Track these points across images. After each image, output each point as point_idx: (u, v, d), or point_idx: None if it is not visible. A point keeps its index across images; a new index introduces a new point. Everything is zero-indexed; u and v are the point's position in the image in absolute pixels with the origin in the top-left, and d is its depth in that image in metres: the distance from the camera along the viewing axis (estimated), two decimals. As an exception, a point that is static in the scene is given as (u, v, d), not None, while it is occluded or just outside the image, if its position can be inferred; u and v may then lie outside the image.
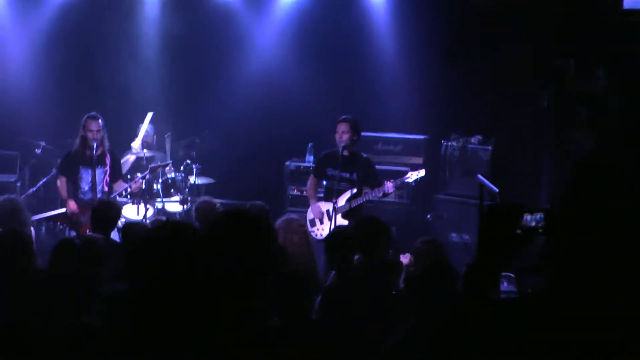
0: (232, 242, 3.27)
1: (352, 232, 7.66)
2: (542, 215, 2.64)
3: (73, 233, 10.22)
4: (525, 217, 2.65)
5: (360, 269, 7.30)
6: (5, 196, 8.96)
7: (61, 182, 10.98)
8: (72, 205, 10.58)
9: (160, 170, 11.67)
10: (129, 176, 11.53)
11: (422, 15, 12.88)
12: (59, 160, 11.82)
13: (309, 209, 10.73)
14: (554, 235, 2.51)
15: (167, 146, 12.98)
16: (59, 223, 11.16)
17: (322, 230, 10.45)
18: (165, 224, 3.26)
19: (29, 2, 13.70)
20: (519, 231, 2.65)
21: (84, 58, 13.99)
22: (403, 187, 11.51)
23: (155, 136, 13.02)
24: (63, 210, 10.87)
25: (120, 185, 10.89)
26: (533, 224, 2.66)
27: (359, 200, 10.36)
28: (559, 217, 2.50)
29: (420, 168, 10.70)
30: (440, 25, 12.65)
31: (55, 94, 13.70)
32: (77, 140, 10.87)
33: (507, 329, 2.55)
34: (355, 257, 7.44)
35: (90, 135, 10.70)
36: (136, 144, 12.57)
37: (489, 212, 2.70)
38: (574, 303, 2.50)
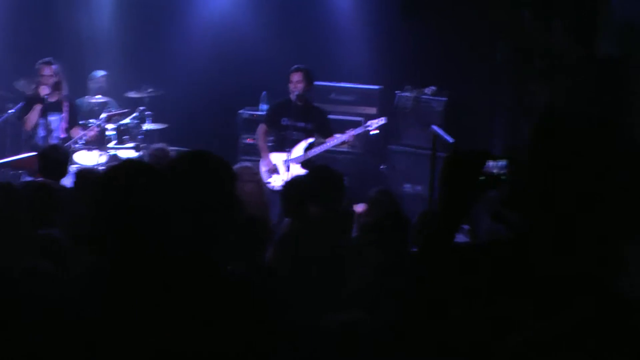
0: (194, 180, 3.26)
1: (306, 181, 7.65)
2: (506, 162, 2.64)
3: (29, 179, 10.08)
4: (488, 163, 2.65)
5: (313, 218, 7.30)
6: None
7: (28, 121, 10.85)
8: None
9: (118, 118, 11.55)
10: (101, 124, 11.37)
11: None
12: (10, 111, 11.61)
13: (261, 161, 10.69)
14: (519, 182, 2.51)
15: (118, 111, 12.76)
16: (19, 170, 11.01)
17: (279, 180, 10.43)
18: (124, 162, 3.23)
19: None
20: (482, 177, 2.64)
21: (42, 7, 13.78)
22: (362, 137, 11.49)
23: (106, 83, 12.84)
24: (29, 154, 10.63)
25: (77, 132, 10.81)
26: (495, 170, 2.65)
27: (317, 150, 10.36)
28: (524, 165, 2.51)
29: (380, 117, 10.71)
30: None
31: (9, 36, 13.49)
32: (34, 86, 10.83)
33: (469, 275, 2.57)
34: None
35: (42, 80, 10.63)
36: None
37: (453, 157, 2.69)
38: (538, 250, 2.51)
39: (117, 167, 3.21)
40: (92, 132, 10.72)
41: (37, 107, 10.73)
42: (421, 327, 2.61)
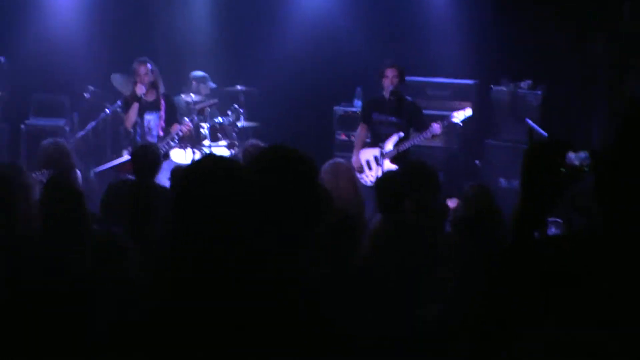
0: (275, 175, 3.24)
1: (401, 176, 7.61)
2: (587, 154, 2.57)
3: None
4: (569, 155, 2.58)
5: (407, 213, 7.26)
6: (51, 139, 8.99)
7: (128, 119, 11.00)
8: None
9: (207, 110, 11.58)
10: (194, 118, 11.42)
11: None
12: (107, 110, 11.81)
13: (353, 157, 10.68)
14: (604, 175, 2.44)
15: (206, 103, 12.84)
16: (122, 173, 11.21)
17: (371, 176, 10.41)
18: (207, 157, 3.20)
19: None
20: (563, 169, 2.58)
21: (135, 2, 13.97)
22: (451, 130, 11.39)
23: (205, 83, 12.91)
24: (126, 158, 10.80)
25: (174, 129, 10.90)
26: (577, 162, 2.59)
27: (407, 144, 10.30)
28: (607, 157, 2.43)
29: (466, 107, 10.58)
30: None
31: (105, 37, 13.71)
32: (130, 86, 10.95)
33: (557, 268, 2.50)
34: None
35: (139, 79, 10.75)
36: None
37: (532, 149, 2.63)
38: (627, 245, 2.44)
39: (196, 163, 3.18)
40: (185, 128, 10.75)
41: (135, 106, 10.86)
42: (504, 324, 2.56)
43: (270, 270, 3.06)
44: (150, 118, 10.85)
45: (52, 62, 13.58)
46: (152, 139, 10.71)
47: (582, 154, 2.58)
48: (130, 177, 10.04)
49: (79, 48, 13.63)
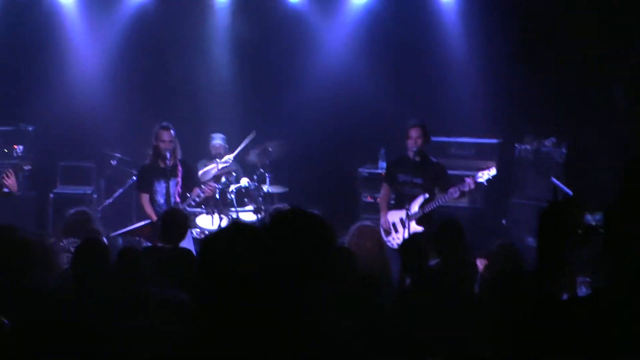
0: (294, 238, 3.28)
1: (426, 238, 7.63)
2: (602, 215, 2.59)
3: (147, 244, 10.25)
4: (585, 216, 2.61)
5: (437, 271, 7.25)
6: (77, 208, 9.06)
7: (144, 200, 10.97)
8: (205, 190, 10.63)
9: (225, 175, 11.59)
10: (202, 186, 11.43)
11: (492, 15, 12.77)
12: (134, 177, 11.95)
13: (380, 219, 10.68)
14: (611, 232, 2.46)
15: (245, 142, 12.89)
16: (137, 237, 11.28)
17: (397, 238, 10.39)
18: (230, 225, 3.28)
19: (102, 11, 13.87)
20: (579, 230, 2.60)
21: (157, 65, 14.14)
22: (476, 189, 11.39)
23: (227, 147, 12.98)
24: (144, 222, 10.85)
25: (194, 193, 10.84)
26: (593, 223, 2.61)
27: (432, 205, 10.28)
28: (615, 213, 2.45)
29: (491, 166, 10.58)
30: (511, 25, 12.54)
31: (129, 103, 13.87)
32: (150, 151, 10.94)
33: (574, 328, 2.51)
34: (433, 261, 7.39)
35: (162, 145, 10.72)
36: (228, 157, 12.57)
37: (548, 210, 2.65)
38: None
39: (220, 231, 3.26)
40: (208, 189, 10.71)
41: (146, 198, 10.91)
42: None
43: (290, 327, 3.11)
44: (167, 184, 10.79)
45: (78, 130, 13.73)
46: (171, 206, 10.66)
47: (598, 216, 2.61)
48: (146, 242, 10.21)
49: (105, 116, 13.78)
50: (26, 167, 11.08)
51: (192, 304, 5.80)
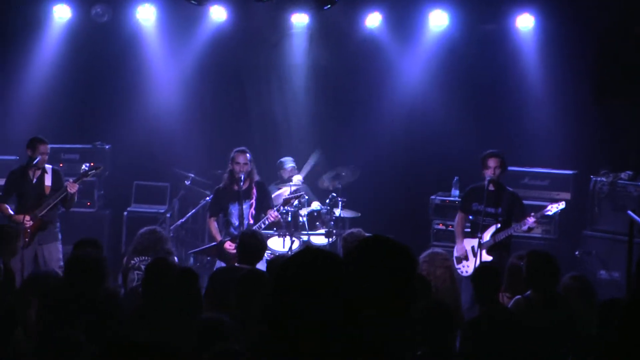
0: (374, 268, 3.27)
1: (497, 268, 7.56)
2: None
3: (222, 264, 10.32)
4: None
5: (530, 304, 7.15)
6: (149, 227, 9.18)
7: (211, 224, 11.10)
8: (229, 246, 10.66)
9: (294, 201, 11.62)
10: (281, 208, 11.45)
11: (571, 49, 12.71)
12: (207, 198, 12.07)
13: (455, 247, 10.68)
14: None
15: (310, 163, 12.94)
16: (208, 257, 11.39)
17: (468, 266, 10.35)
18: (305, 250, 3.26)
19: (180, 33, 14.06)
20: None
21: (234, 89, 14.29)
22: (548, 221, 11.33)
23: (297, 170, 13.02)
24: (214, 243, 10.99)
25: (266, 216, 10.90)
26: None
27: (503, 235, 10.24)
28: None
29: (561, 200, 10.52)
30: (590, 59, 12.46)
31: (204, 124, 14.03)
32: (226, 175, 11.05)
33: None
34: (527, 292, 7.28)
35: (237, 167, 10.84)
36: (298, 178, 12.66)
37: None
38: None
39: (295, 256, 3.25)
40: (271, 217, 10.78)
41: (213, 222, 11.03)
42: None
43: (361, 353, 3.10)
44: (241, 207, 10.86)
45: (154, 150, 13.94)
46: (242, 227, 10.73)
47: None
48: (220, 262, 10.34)
49: (180, 137, 13.97)
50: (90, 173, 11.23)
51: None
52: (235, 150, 11.00)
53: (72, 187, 10.81)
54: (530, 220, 10.17)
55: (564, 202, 10.40)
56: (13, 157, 12.91)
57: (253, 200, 10.95)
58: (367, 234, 9.23)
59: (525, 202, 10.86)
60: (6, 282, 8.34)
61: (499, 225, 10.28)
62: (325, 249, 3.31)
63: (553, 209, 10.35)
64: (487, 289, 7.14)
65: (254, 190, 10.98)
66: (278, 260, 8.09)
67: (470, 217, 10.61)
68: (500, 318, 6.61)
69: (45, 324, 5.98)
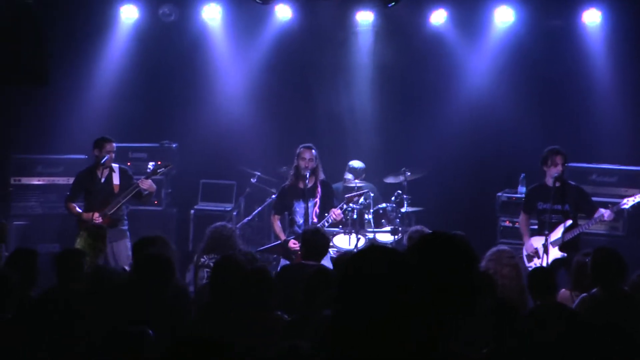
0: (433, 264, 3.28)
1: (549, 269, 7.51)
2: None
3: (286, 262, 10.37)
4: None
5: (597, 300, 7.08)
6: (219, 223, 9.27)
7: (275, 223, 11.16)
8: (293, 244, 10.68)
9: (357, 199, 11.59)
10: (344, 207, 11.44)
11: (638, 40, 12.56)
12: (273, 196, 12.14)
13: (524, 245, 10.61)
14: None
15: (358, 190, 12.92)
16: (274, 255, 11.46)
17: (537, 264, 10.27)
18: (371, 247, 3.28)
19: (247, 31, 14.14)
20: None
21: (299, 88, 14.31)
22: (619, 216, 11.17)
23: (364, 170, 12.98)
24: (278, 242, 11.04)
25: (330, 215, 10.91)
26: None
27: (574, 232, 10.16)
28: None
29: (636, 193, 10.39)
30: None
31: (270, 123, 14.08)
32: (291, 172, 11.10)
33: None
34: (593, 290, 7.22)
35: (303, 163, 10.86)
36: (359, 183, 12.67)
37: None
38: None
39: (361, 252, 3.26)
40: (334, 215, 10.78)
41: (277, 220, 11.13)
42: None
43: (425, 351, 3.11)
44: (306, 205, 10.88)
45: (220, 148, 14.03)
46: (306, 225, 10.75)
47: None
48: (285, 260, 10.40)
49: (246, 135, 14.04)
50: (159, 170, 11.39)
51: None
52: (301, 146, 11.04)
53: (144, 184, 10.99)
54: (607, 214, 10.06)
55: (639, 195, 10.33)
56: (82, 157, 13.06)
57: (317, 199, 10.97)
58: (427, 231, 9.23)
59: (594, 199, 10.75)
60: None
61: (568, 223, 10.17)
62: (390, 246, 3.31)
63: (630, 201, 10.25)
64: (541, 286, 7.05)
65: (319, 189, 11.00)
66: (344, 258, 8.12)
67: (537, 216, 10.54)
68: (553, 314, 6.53)
69: (112, 320, 6.05)
